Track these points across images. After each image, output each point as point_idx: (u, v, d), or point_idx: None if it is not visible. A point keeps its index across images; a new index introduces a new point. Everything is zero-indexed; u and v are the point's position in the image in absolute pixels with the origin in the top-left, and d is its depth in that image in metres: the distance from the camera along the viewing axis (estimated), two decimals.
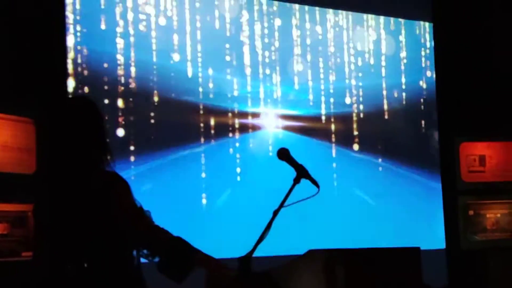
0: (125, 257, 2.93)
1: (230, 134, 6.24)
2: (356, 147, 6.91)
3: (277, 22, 6.56)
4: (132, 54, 5.74)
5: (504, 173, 7.05)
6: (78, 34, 5.50)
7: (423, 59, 7.36)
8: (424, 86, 7.35)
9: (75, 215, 2.86)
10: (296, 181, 2.92)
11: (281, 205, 2.81)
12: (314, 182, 2.94)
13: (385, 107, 7.12)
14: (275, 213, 2.78)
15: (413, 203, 7.09)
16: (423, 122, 7.34)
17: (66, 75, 5.40)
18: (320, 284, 2.60)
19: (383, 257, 2.71)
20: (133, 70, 5.75)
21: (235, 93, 6.29)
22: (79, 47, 5.48)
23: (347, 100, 6.90)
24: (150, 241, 2.92)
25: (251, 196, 6.15)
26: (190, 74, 6.04)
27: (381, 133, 7.12)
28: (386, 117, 7.14)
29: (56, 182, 2.92)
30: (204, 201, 6.02)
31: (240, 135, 6.29)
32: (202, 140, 6.09)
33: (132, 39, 5.76)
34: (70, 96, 5.35)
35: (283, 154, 2.99)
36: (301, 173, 2.93)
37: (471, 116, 7.06)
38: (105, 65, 5.62)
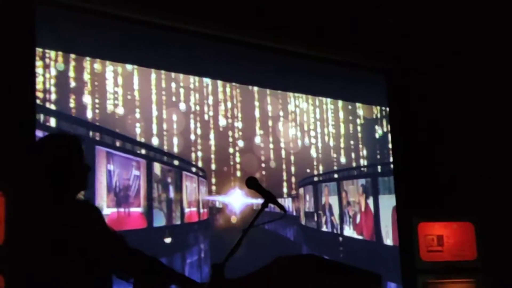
0: (104, 280, 3.03)
1: None
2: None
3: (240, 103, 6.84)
4: None
5: (461, 252, 7.20)
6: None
7: (380, 142, 7.67)
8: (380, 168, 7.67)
9: (55, 243, 2.96)
10: (264, 205, 3.09)
11: (251, 225, 2.97)
12: (281, 207, 3.12)
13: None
14: (245, 231, 2.94)
15: None
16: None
17: None
18: None
19: (348, 272, 2.84)
20: None
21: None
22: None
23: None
24: (126, 263, 3.03)
25: None
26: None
27: None
28: None
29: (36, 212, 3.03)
30: None
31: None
32: None
33: None
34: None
35: (252, 182, 3.17)
36: (269, 198, 3.11)
37: (428, 197, 7.29)
38: None
